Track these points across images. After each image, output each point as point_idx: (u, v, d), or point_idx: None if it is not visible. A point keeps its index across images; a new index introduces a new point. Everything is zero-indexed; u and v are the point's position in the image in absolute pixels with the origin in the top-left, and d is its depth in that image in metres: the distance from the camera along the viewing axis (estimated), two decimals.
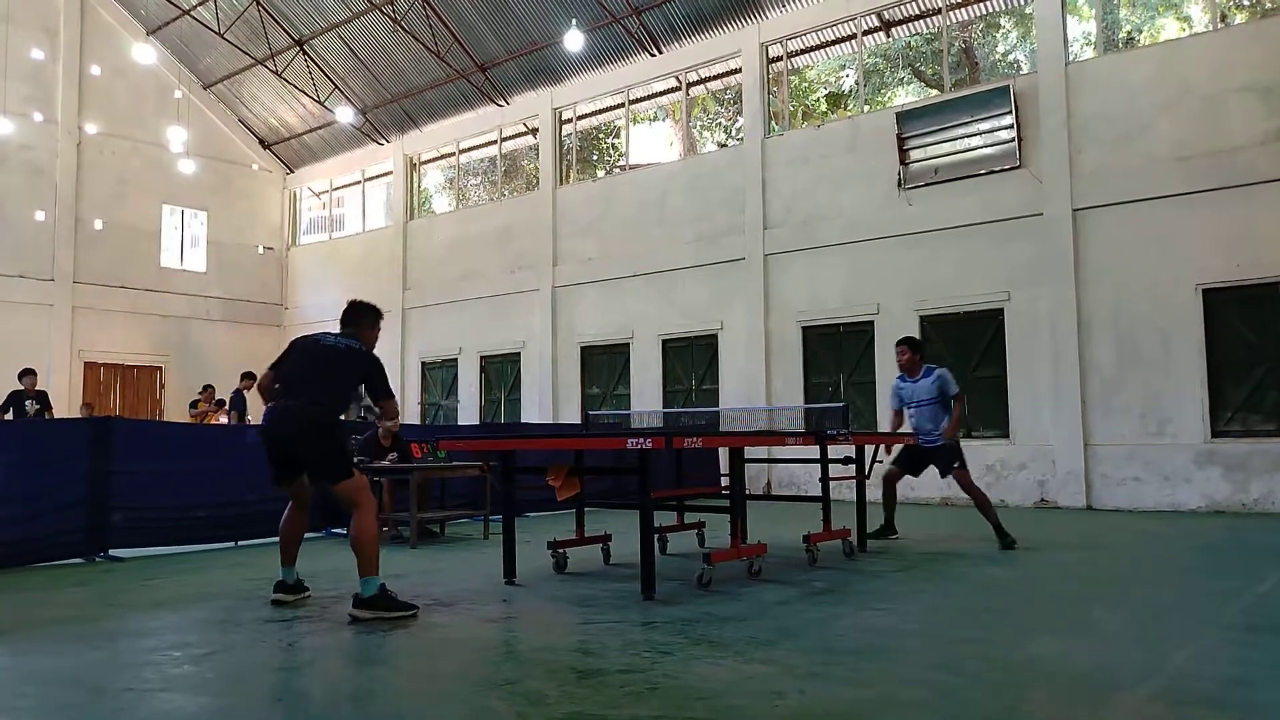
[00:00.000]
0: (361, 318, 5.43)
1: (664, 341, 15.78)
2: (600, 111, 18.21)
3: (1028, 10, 14.50)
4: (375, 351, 5.38)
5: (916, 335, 12.72)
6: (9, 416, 12.20)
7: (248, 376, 14.29)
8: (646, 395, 15.83)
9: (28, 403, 12.44)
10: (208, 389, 15.90)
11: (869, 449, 7.72)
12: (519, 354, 17.94)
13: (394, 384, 19.12)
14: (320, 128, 21.36)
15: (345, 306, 5.48)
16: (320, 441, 4.95)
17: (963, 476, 7.58)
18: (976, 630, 4.42)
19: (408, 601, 4.79)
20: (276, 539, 5.28)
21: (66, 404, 17.72)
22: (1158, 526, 9.42)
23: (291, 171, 23.09)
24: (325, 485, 4.97)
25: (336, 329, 5.40)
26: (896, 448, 7.87)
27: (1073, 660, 3.71)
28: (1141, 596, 5.39)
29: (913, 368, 7.80)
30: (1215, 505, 10.62)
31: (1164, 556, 7.31)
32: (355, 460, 5.18)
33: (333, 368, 5.10)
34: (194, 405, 15.62)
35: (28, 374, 12.66)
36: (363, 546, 4.75)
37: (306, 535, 5.57)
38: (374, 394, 5.28)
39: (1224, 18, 12.39)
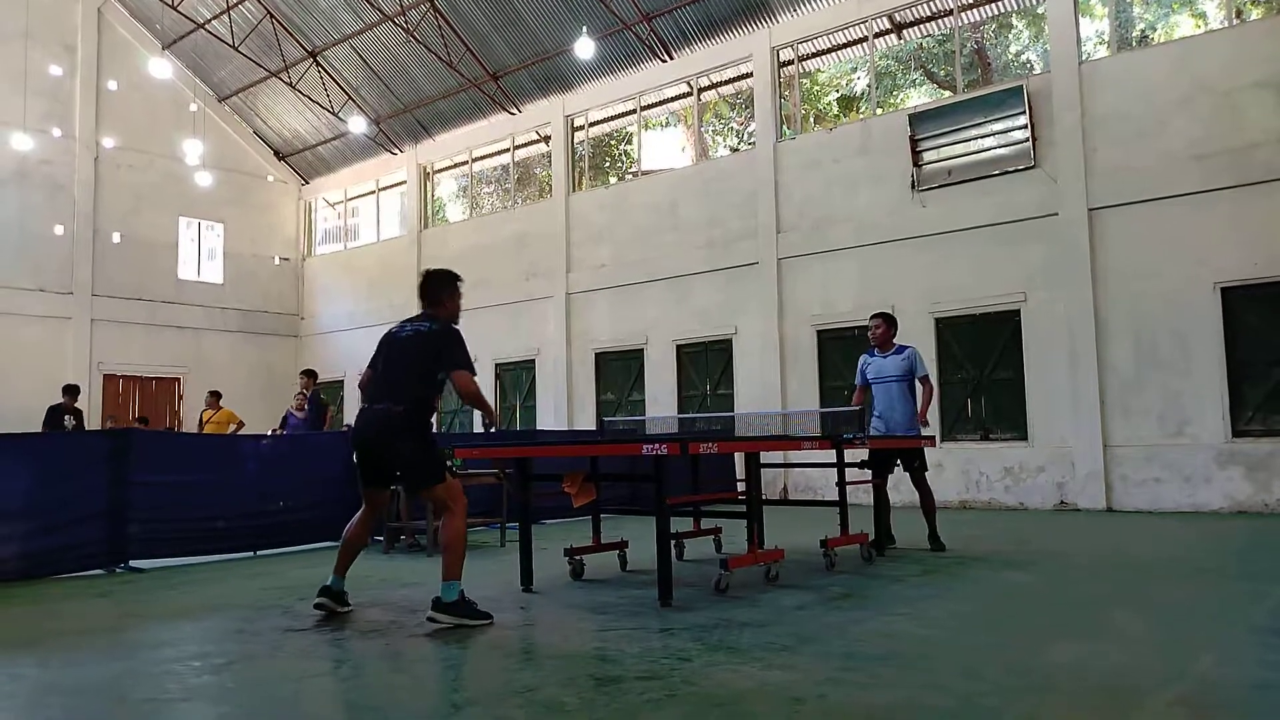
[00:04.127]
0: (435, 291, 5.02)
1: (678, 347, 15.77)
2: (612, 118, 18.25)
3: (1040, 10, 14.43)
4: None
5: (934, 338, 12.73)
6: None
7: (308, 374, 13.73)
8: (661, 401, 15.83)
9: (66, 418, 12.53)
10: (215, 395, 15.76)
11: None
12: (533, 361, 17.97)
13: None
14: (334, 138, 21.52)
15: (419, 282, 5.11)
16: (402, 445, 4.76)
17: (918, 477, 7.57)
18: (997, 635, 4.38)
19: (484, 610, 4.71)
20: (294, 549, 5.28)
21: (87, 416, 17.87)
22: (1179, 528, 9.33)
23: (306, 182, 23.25)
24: (416, 491, 4.78)
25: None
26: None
27: (1095, 665, 3.67)
28: (1164, 599, 5.33)
29: (885, 342, 7.76)
30: (1237, 506, 10.51)
31: (1186, 558, 7.23)
32: (453, 464, 4.94)
33: (404, 359, 4.82)
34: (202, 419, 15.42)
35: (71, 390, 12.72)
36: (450, 549, 4.68)
37: (321, 545, 5.57)
38: (447, 365, 4.77)
39: (1239, 13, 12.29)
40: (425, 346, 4.82)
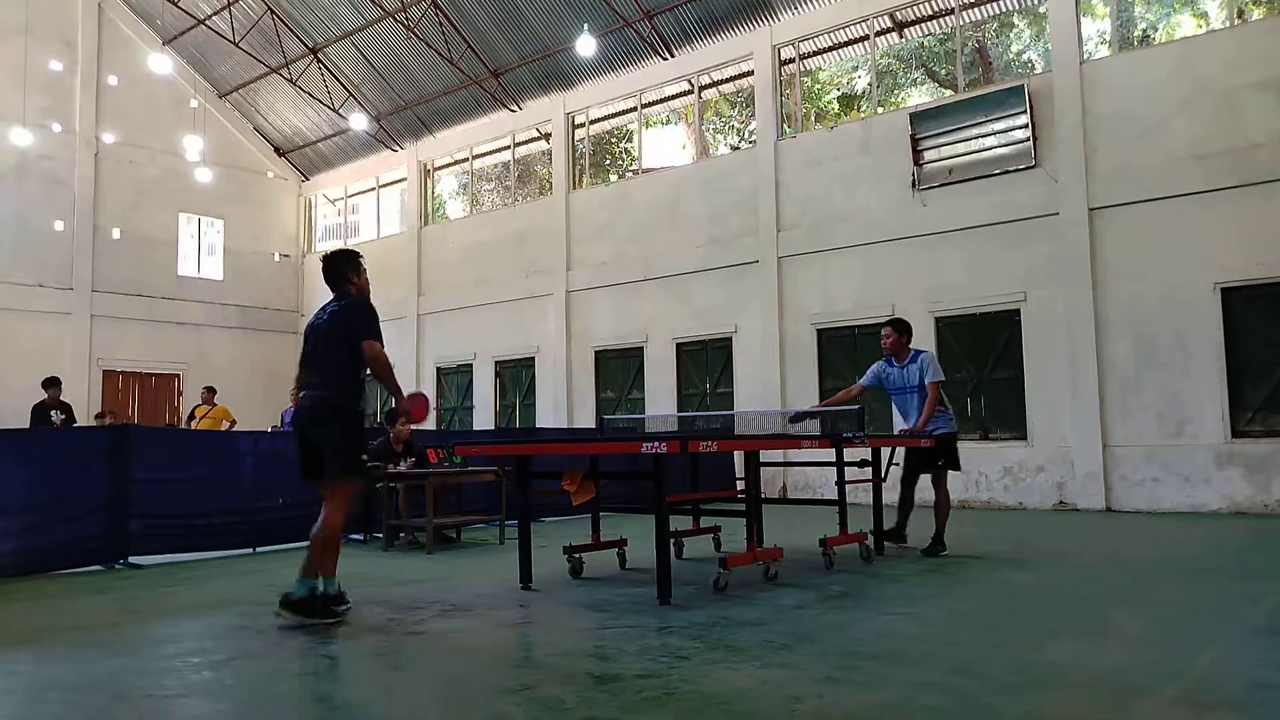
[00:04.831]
0: (339, 272, 5.05)
1: (678, 345, 15.77)
2: (613, 115, 18.23)
3: (1041, 9, 14.43)
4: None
5: (934, 337, 12.73)
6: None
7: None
8: (661, 399, 15.82)
9: (53, 413, 12.43)
10: (209, 391, 15.70)
11: (885, 451, 7.67)
12: (533, 359, 17.97)
13: (408, 390, 19.20)
14: (335, 135, 21.49)
15: (321, 268, 5.16)
16: (331, 425, 4.77)
17: (939, 476, 7.34)
18: (996, 634, 4.38)
19: (339, 598, 4.75)
20: (293, 545, 5.30)
21: (86, 412, 17.87)
22: (1178, 528, 9.33)
23: (307, 179, 23.24)
24: (327, 475, 4.75)
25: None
26: (900, 453, 7.59)
27: (1094, 664, 3.68)
28: (1163, 599, 5.33)
29: (900, 351, 7.39)
30: (1236, 506, 10.51)
31: (1185, 558, 7.23)
32: (369, 463, 4.97)
33: (327, 341, 4.89)
34: (191, 415, 15.32)
35: (52, 384, 12.60)
36: (322, 544, 4.69)
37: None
38: (355, 334, 4.81)
39: (1241, 13, 12.28)
40: (342, 323, 4.89)
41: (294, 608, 4.61)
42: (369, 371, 4.91)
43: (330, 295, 5.12)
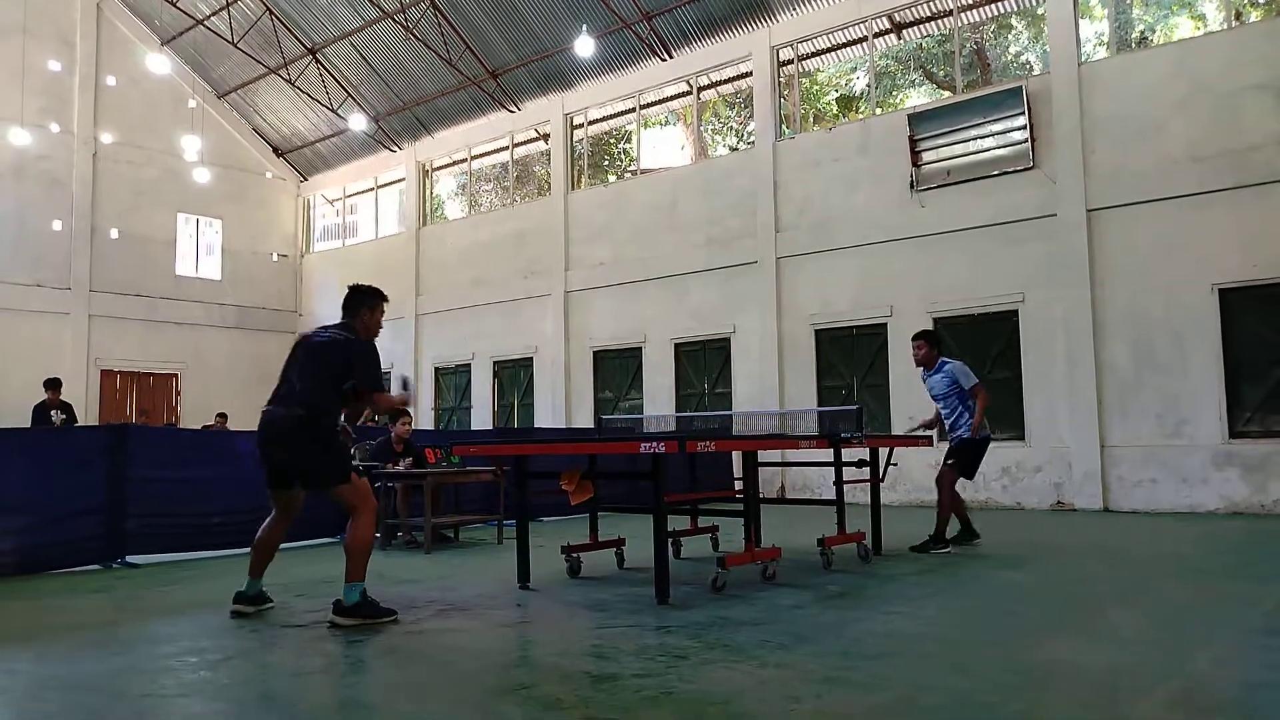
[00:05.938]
0: (353, 303, 5.03)
1: (676, 345, 15.77)
2: (611, 116, 18.25)
3: (1039, 11, 14.44)
4: (388, 349, 5.21)
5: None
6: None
7: None
8: (659, 399, 15.83)
9: (53, 413, 12.40)
10: (222, 417, 15.77)
11: (883, 452, 7.69)
12: (532, 359, 17.97)
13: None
14: (333, 135, 21.49)
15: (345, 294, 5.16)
16: (306, 446, 4.73)
17: (946, 474, 7.50)
18: (994, 634, 4.39)
19: (387, 607, 4.73)
20: (290, 545, 5.31)
21: (84, 412, 17.85)
22: (1176, 528, 9.34)
23: (305, 179, 23.23)
24: (322, 491, 4.82)
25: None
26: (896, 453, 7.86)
27: (1091, 663, 3.68)
28: (1160, 599, 5.34)
29: (928, 361, 7.73)
30: (1234, 507, 10.52)
31: (1183, 559, 7.24)
32: (361, 465, 5.01)
33: (315, 363, 4.85)
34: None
35: (52, 385, 12.55)
36: (354, 552, 4.68)
37: (321, 541, 5.58)
38: (359, 383, 4.80)
39: (1238, 15, 12.30)
40: (335, 354, 4.84)
41: (347, 612, 4.61)
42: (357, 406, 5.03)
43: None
